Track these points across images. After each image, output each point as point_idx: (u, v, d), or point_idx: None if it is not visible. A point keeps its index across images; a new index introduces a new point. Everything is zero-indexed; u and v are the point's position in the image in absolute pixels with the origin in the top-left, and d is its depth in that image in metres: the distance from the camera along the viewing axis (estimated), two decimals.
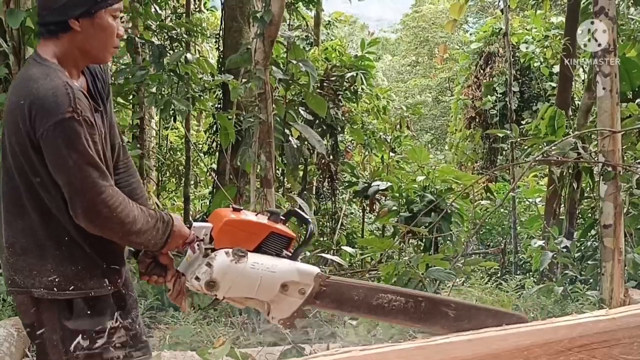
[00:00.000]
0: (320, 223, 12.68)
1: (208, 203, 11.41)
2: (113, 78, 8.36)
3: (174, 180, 13.36)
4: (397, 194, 9.99)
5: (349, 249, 10.46)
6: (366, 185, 11.51)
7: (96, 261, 2.39)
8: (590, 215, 8.99)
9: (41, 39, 2.39)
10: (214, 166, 11.02)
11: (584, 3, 9.20)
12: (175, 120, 10.08)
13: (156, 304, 6.44)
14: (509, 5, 11.85)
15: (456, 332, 1.82)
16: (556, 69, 14.30)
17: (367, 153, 13.87)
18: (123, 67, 9.21)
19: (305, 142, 10.00)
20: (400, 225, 9.00)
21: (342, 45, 13.18)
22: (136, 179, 2.72)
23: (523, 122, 14.51)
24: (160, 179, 13.08)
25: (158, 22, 9.12)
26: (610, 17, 5.98)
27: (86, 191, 2.24)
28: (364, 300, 2.57)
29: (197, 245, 2.47)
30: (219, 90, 10.51)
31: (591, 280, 7.11)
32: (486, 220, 10.84)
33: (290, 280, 2.50)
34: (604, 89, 5.96)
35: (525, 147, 9.20)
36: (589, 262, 7.64)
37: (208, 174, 12.33)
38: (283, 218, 2.61)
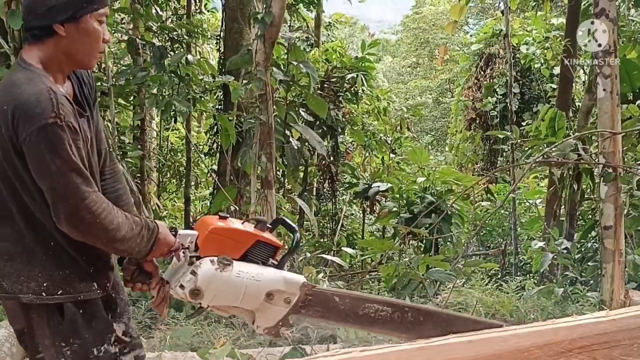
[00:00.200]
0: (321, 224, 12.69)
1: (209, 204, 11.42)
2: (114, 79, 8.37)
3: (174, 181, 13.36)
4: (398, 195, 10.00)
5: (349, 250, 10.48)
6: (366, 186, 11.53)
7: (83, 266, 2.38)
8: (590, 216, 8.99)
9: (26, 44, 2.37)
10: (215, 167, 11.02)
11: (584, 4, 9.21)
12: (176, 122, 10.09)
13: None
14: (509, 7, 11.86)
15: None
16: (557, 70, 14.31)
17: (367, 154, 13.88)
18: (124, 68, 9.23)
19: (306, 143, 10.01)
20: (400, 227, 9.01)
21: (342, 46, 13.19)
22: (122, 185, 2.68)
23: (523, 124, 14.52)
24: (161, 180, 13.09)
25: (159, 24, 9.12)
26: (611, 19, 5.99)
27: (69, 197, 2.22)
28: (350, 310, 2.56)
29: (183, 253, 2.45)
30: (220, 92, 10.51)
31: (591, 282, 7.11)
32: (486, 221, 10.85)
33: (276, 289, 2.48)
34: (604, 90, 5.97)
35: (526, 149, 9.21)
36: (589, 263, 7.65)
37: (209, 175, 12.33)
38: (270, 226, 2.59)
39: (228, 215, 2.55)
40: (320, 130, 11.23)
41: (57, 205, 2.23)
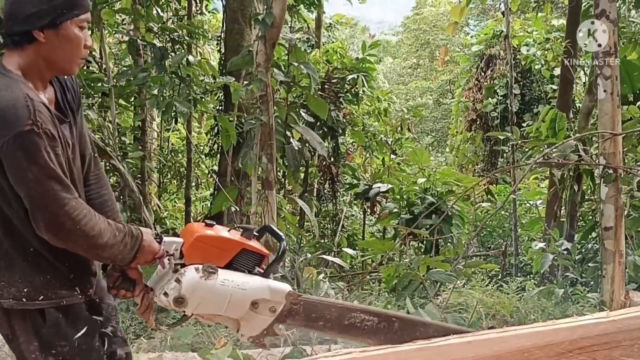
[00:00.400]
0: (321, 225, 12.70)
1: (209, 205, 11.41)
2: (115, 80, 8.38)
3: (175, 182, 13.36)
4: (398, 196, 10.00)
5: (349, 251, 10.49)
6: (367, 187, 11.53)
7: (64, 271, 2.36)
8: (591, 217, 8.99)
9: (6, 50, 2.35)
10: (215, 168, 11.02)
11: (585, 5, 9.21)
12: (176, 122, 10.09)
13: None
14: (510, 8, 11.86)
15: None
16: (557, 71, 14.31)
17: (368, 155, 13.88)
18: (125, 69, 9.23)
19: (307, 144, 10.02)
20: (401, 227, 9.01)
21: (343, 47, 13.20)
22: (107, 190, 2.65)
23: (524, 125, 14.52)
24: (162, 180, 13.09)
25: (160, 25, 9.12)
26: (611, 20, 5.99)
27: (48, 204, 2.20)
28: (336, 319, 2.54)
29: (167, 260, 2.43)
30: (221, 93, 10.52)
31: (592, 283, 7.11)
32: (487, 222, 10.85)
33: (261, 298, 2.46)
34: (604, 91, 5.97)
35: (526, 150, 9.21)
36: (589, 264, 7.65)
37: (209, 175, 12.33)
38: (257, 234, 2.57)
39: (214, 223, 2.52)
40: (320, 131, 11.24)
41: (35, 212, 2.21)
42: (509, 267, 9.83)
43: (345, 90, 12.13)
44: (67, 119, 2.41)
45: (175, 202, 13.80)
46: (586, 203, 8.93)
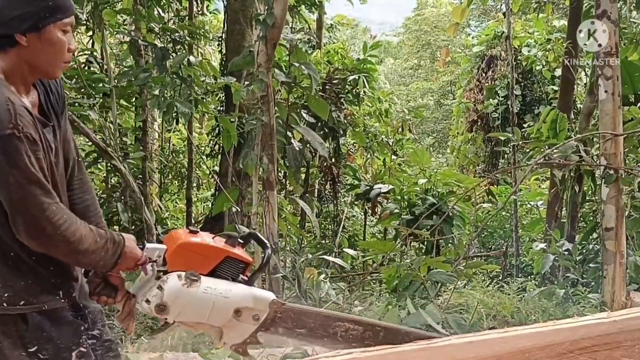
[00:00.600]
0: (322, 225, 12.70)
1: (210, 205, 11.42)
2: (116, 80, 8.38)
3: (176, 182, 13.35)
4: (399, 197, 10.00)
5: (350, 252, 10.49)
6: (368, 188, 11.54)
7: (46, 276, 2.34)
8: (592, 218, 8.99)
9: None
10: (217, 168, 11.03)
11: (586, 6, 9.21)
12: (177, 123, 10.08)
13: None
14: (511, 9, 11.86)
15: None
16: (558, 72, 14.31)
17: (369, 156, 13.89)
18: (126, 69, 9.23)
19: (308, 145, 10.01)
20: (401, 228, 9.01)
21: (344, 48, 13.21)
22: (91, 195, 2.63)
23: (525, 126, 14.50)
24: (163, 181, 13.08)
25: (161, 25, 9.12)
26: (613, 21, 5.99)
27: (28, 208, 2.17)
28: (320, 328, 2.52)
29: (150, 267, 2.42)
30: (222, 93, 10.52)
31: (593, 283, 7.10)
32: (488, 223, 10.84)
33: (244, 306, 2.44)
34: (606, 92, 5.98)
35: (527, 150, 9.21)
36: (590, 265, 7.64)
37: (210, 176, 12.33)
38: (241, 242, 2.54)
39: (198, 230, 2.51)
40: (321, 132, 11.25)
41: (16, 217, 2.19)
42: (510, 267, 9.82)
43: (346, 91, 12.14)
44: (51, 122, 2.39)
45: (176, 202, 13.79)
46: (587, 204, 8.92)
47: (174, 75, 8.07)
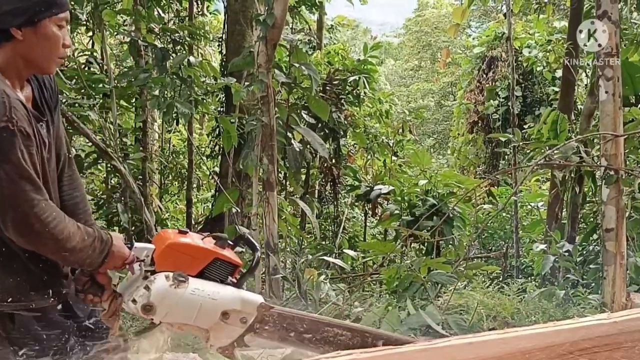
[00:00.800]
0: (323, 226, 12.69)
1: (210, 206, 11.41)
2: (116, 81, 8.37)
3: (176, 183, 13.34)
4: (399, 198, 9.99)
5: (351, 252, 10.48)
6: (368, 189, 11.53)
7: (37, 273, 2.33)
8: (592, 219, 8.98)
9: None
10: (217, 169, 11.02)
11: (586, 7, 9.21)
12: (177, 124, 10.08)
13: None
14: (511, 10, 11.86)
15: None
16: (559, 73, 14.31)
17: (369, 157, 13.88)
18: (126, 70, 9.23)
19: (308, 146, 10.01)
20: (402, 229, 9.00)
21: (344, 49, 13.20)
22: (80, 192, 2.63)
23: (525, 127, 14.53)
24: (163, 182, 13.08)
25: (161, 25, 9.12)
26: (613, 21, 5.99)
27: (18, 204, 2.16)
28: (309, 333, 2.51)
29: (138, 266, 2.40)
30: (222, 94, 10.52)
31: (593, 284, 7.10)
32: (488, 224, 10.84)
33: (232, 309, 2.43)
34: (606, 92, 5.97)
35: (528, 151, 9.20)
36: (590, 266, 7.64)
37: (210, 177, 12.33)
38: (231, 244, 2.54)
39: (188, 230, 2.50)
40: (322, 133, 11.24)
41: (4, 211, 2.18)
42: (510, 268, 9.81)
43: (346, 91, 12.13)
44: (44, 117, 2.39)
45: (176, 203, 13.79)
46: (587, 205, 8.92)
47: (174, 76, 8.07)
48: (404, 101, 26.74)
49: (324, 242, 11.68)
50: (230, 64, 8.09)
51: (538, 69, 16.41)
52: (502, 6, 16.42)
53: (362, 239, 12.80)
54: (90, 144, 8.28)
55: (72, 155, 2.63)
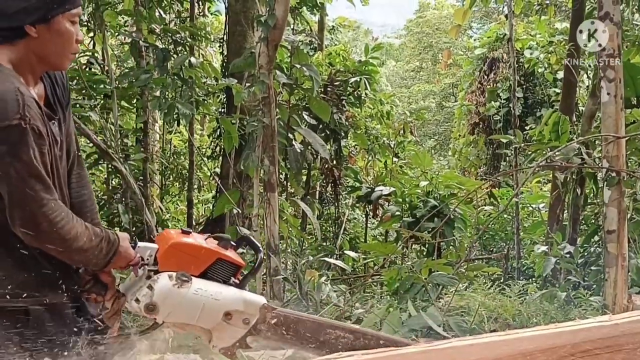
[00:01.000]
0: (324, 228, 12.69)
1: (211, 207, 11.41)
2: (117, 82, 8.38)
3: (177, 184, 13.35)
4: (400, 199, 9.99)
5: (352, 254, 10.47)
6: (369, 190, 11.53)
7: (50, 269, 2.33)
8: (593, 221, 8.98)
9: None
10: (218, 170, 11.02)
11: (588, 8, 9.21)
12: (178, 124, 10.08)
13: None
14: (513, 11, 11.86)
15: None
16: (560, 74, 14.29)
17: (370, 158, 13.88)
18: (127, 70, 9.23)
19: (309, 147, 10.00)
20: (403, 231, 9.01)
21: (345, 50, 13.20)
22: (88, 191, 2.62)
23: (527, 128, 14.52)
24: (164, 182, 13.08)
25: (162, 26, 9.13)
26: (615, 23, 5.98)
27: (27, 203, 2.16)
28: (311, 334, 2.51)
29: (141, 266, 2.41)
30: (223, 95, 10.51)
31: (594, 286, 7.09)
32: (489, 225, 10.83)
33: (235, 310, 2.43)
34: (608, 94, 5.96)
35: (529, 153, 9.20)
36: (592, 268, 7.63)
37: (211, 178, 12.32)
38: (234, 244, 2.53)
39: (191, 230, 2.49)
40: (323, 134, 11.24)
41: (13, 209, 2.18)
42: (511, 270, 9.81)
43: (347, 93, 12.13)
44: (56, 115, 2.39)
45: (177, 204, 13.79)
46: (589, 206, 8.92)
47: (175, 77, 8.07)
48: (405, 102, 26.74)
49: (324, 244, 11.67)
50: (232, 64, 8.09)
51: (539, 70, 16.39)
52: (503, 7, 16.43)
53: (363, 240, 12.80)
54: (91, 144, 8.29)
55: (81, 153, 2.63)
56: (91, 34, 9.69)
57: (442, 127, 27.27)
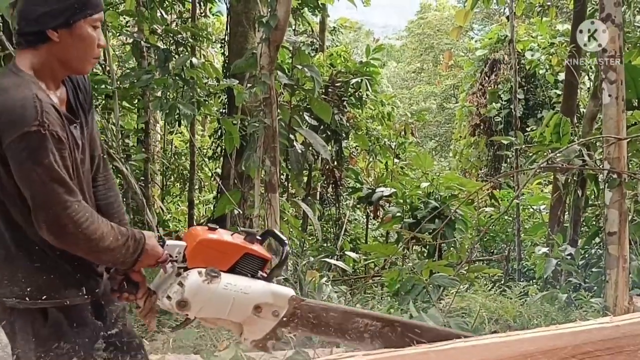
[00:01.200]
0: (324, 228, 12.69)
1: (212, 208, 11.41)
2: (119, 82, 8.37)
3: (178, 184, 13.36)
4: (401, 200, 9.99)
5: (352, 255, 10.48)
6: (370, 191, 11.53)
7: (69, 271, 2.35)
8: (594, 222, 8.98)
9: (19, 50, 2.34)
10: (219, 171, 11.01)
11: (590, 10, 9.21)
12: (180, 125, 10.09)
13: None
14: (514, 13, 11.85)
15: None
16: (561, 76, 14.29)
17: (371, 159, 13.89)
18: (128, 71, 9.23)
19: (310, 148, 10.01)
20: (404, 232, 9.00)
21: (347, 51, 13.21)
22: (114, 192, 2.65)
23: (528, 130, 14.51)
24: (165, 183, 13.10)
25: (164, 27, 9.12)
26: (617, 24, 5.98)
27: (50, 205, 2.18)
28: (339, 324, 2.54)
29: (170, 264, 2.43)
30: (224, 95, 10.51)
31: (595, 288, 7.09)
32: (490, 227, 10.84)
33: (264, 302, 2.46)
34: (609, 96, 5.96)
35: (530, 154, 9.20)
36: (593, 269, 7.63)
37: (212, 178, 12.32)
38: (259, 238, 2.56)
39: (217, 227, 2.52)
40: (324, 135, 11.24)
41: (38, 213, 2.20)
42: (512, 271, 9.81)
43: (349, 94, 12.13)
44: (78, 119, 2.41)
45: (178, 204, 13.80)
46: (590, 208, 8.92)
47: (177, 77, 8.06)
48: (406, 103, 26.74)
49: (325, 244, 11.67)
50: (233, 65, 8.09)
51: (541, 71, 16.39)
52: (504, 9, 16.42)
53: (363, 242, 12.80)
54: None
55: (106, 155, 2.64)
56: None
57: (443, 129, 27.27)
